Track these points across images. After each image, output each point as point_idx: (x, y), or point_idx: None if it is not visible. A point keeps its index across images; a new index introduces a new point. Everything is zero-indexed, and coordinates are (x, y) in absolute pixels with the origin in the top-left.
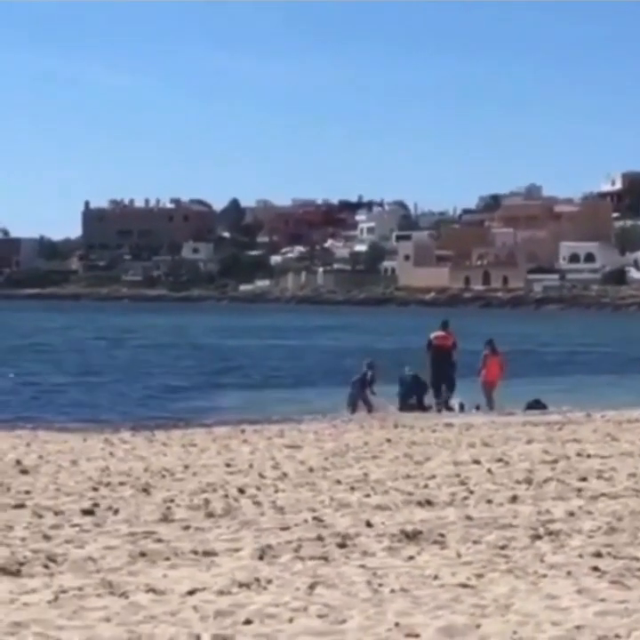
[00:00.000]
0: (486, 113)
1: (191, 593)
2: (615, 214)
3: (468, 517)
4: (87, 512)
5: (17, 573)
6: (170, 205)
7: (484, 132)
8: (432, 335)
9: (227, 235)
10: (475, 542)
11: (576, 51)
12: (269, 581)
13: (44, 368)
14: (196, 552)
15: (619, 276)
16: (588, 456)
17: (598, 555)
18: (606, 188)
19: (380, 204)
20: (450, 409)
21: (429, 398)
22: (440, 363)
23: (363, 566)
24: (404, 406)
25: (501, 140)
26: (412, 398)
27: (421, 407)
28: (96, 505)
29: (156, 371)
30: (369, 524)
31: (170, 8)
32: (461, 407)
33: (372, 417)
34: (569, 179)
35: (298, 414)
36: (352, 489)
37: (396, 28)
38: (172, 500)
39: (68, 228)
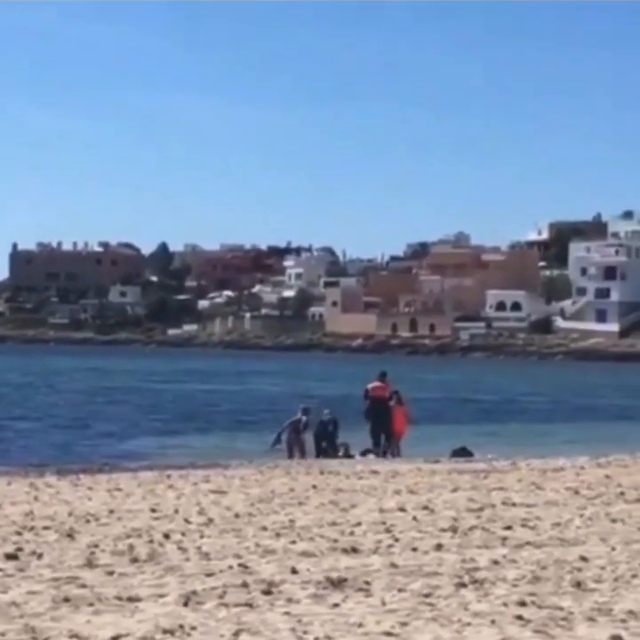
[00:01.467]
0: (415, 161)
1: (115, 639)
2: (542, 263)
3: (393, 565)
4: (10, 556)
5: None
6: (98, 249)
7: (413, 179)
8: (369, 386)
9: (154, 278)
10: (399, 590)
11: (502, 100)
12: (194, 628)
13: None
14: (119, 598)
15: (545, 325)
16: (513, 504)
17: (522, 603)
18: (533, 237)
19: (309, 250)
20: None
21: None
22: (378, 413)
23: (287, 613)
24: (319, 450)
25: (430, 188)
26: (323, 442)
27: (334, 451)
28: (19, 549)
29: (82, 414)
30: (294, 571)
31: (97, 47)
32: (392, 453)
33: (298, 463)
34: (496, 228)
35: (226, 459)
36: (278, 535)
37: (321, 75)
38: (96, 545)
39: None
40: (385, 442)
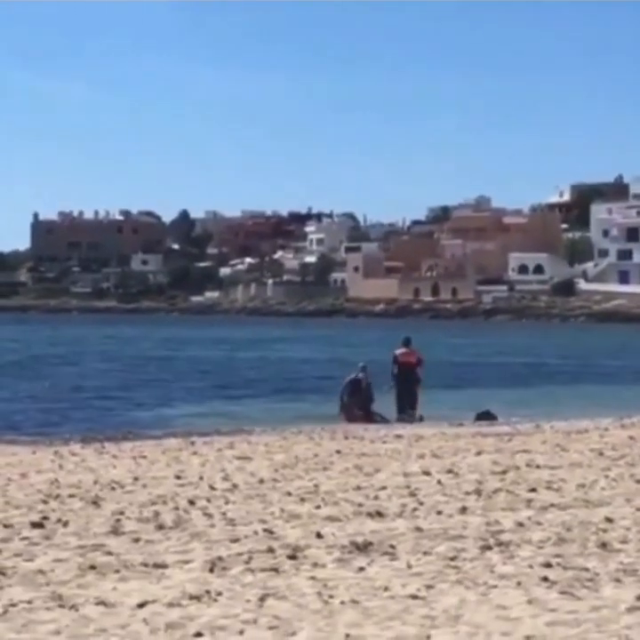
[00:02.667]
0: (436, 125)
1: (141, 605)
2: (564, 226)
3: (418, 529)
4: (36, 525)
5: None
6: (119, 217)
7: (434, 143)
8: (397, 351)
9: (176, 246)
10: (425, 553)
11: (526, 63)
12: (220, 593)
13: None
14: (146, 564)
15: (567, 288)
16: (538, 467)
17: (548, 565)
18: (555, 199)
19: (330, 216)
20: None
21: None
22: (406, 379)
23: (313, 578)
24: (351, 415)
25: (451, 152)
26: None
27: (369, 417)
28: (45, 518)
29: (106, 383)
30: (319, 536)
31: (125, 18)
32: (420, 419)
33: (323, 429)
34: (518, 190)
35: (252, 425)
36: (302, 500)
37: (344, 40)
38: (121, 513)
39: (16, 239)
40: (409, 409)
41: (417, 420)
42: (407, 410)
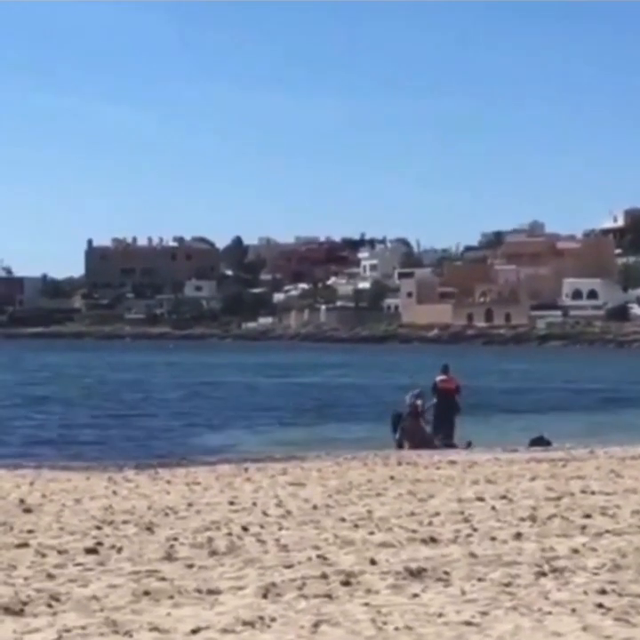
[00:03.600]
0: (489, 149)
1: (195, 631)
2: (617, 251)
3: (472, 555)
4: (91, 551)
5: (20, 613)
6: (173, 243)
7: (487, 168)
8: (437, 379)
9: (230, 272)
10: (479, 579)
11: (577, 87)
12: (273, 619)
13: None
14: (199, 590)
15: (621, 313)
16: (592, 493)
17: (603, 592)
18: (608, 224)
19: (383, 242)
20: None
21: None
22: (445, 406)
23: (367, 604)
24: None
25: (504, 177)
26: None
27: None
28: (99, 543)
29: (161, 409)
30: (373, 562)
31: (174, 43)
32: (468, 445)
33: (375, 455)
34: (571, 215)
35: (308, 451)
36: (356, 526)
37: (398, 64)
38: (175, 539)
39: (71, 266)
40: (445, 438)
41: (465, 446)
42: (443, 438)
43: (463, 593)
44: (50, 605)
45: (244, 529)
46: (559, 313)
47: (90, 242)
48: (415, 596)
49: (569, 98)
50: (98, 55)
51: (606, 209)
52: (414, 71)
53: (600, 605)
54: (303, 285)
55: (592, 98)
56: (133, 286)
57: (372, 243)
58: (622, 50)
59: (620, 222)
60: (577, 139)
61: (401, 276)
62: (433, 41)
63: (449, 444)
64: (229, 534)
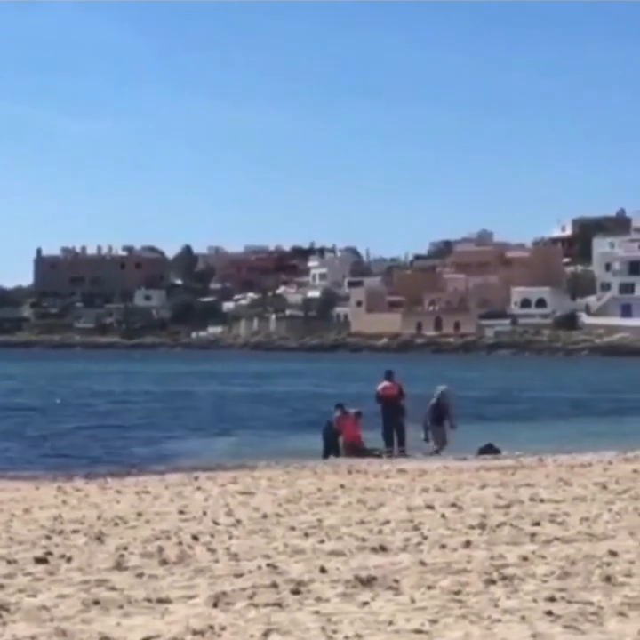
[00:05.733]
0: (437, 158)
1: None
2: (566, 259)
3: (422, 563)
4: (40, 560)
5: None
6: (122, 253)
7: (436, 177)
8: (379, 387)
9: (179, 281)
10: (429, 587)
11: (525, 97)
12: (223, 628)
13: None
14: (149, 600)
15: (570, 321)
16: (541, 501)
17: (552, 599)
18: (557, 233)
19: (332, 251)
20: (405, 455)
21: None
22: (390, 413)
23: (317, 612)
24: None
25: (453, 186)
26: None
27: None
28: (49, 553)
29: (109, 418)
30: (323, 570)
31: (131, 52)
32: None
33: (324, 463)
34: (520, 224)
35: (256, 460)
36: (306, 535)
37: (346, 74)
38: (125, 548)
39: (20, 275)
40: (397, 440)
41: (433, 453)
42: (396, 446)
43: (413, 601)
44: None
45: (194, 538)
46: (508, 321)
47: (39, 251)
48: (365, 604)
49: (518, 107)
50: (60, 65)
51: (555, 218)
52: (358, 79)
53: (549, 613)
54: (253, 294)
55: (540, 108)
56: (83, 295)
57: (321, 251)
58: (568, 60)
59: (569, 231)
60: (525, 148)
61: (350, 284)
62: (378, 47)
63: (403, 451)
64: (179, 543)
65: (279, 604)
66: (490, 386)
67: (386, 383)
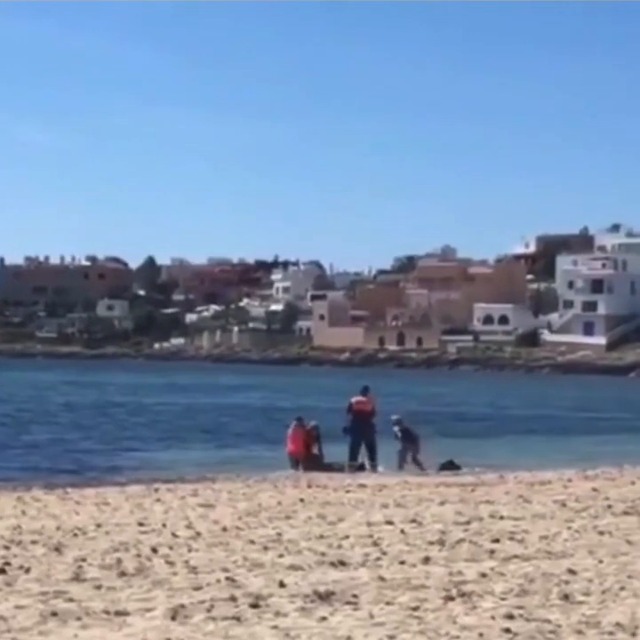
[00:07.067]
0: (401, 174)
1: None
2: (529, 277)
3: (381, 578)
4: None
5: None
6: (85, 263)
7: (399, 192)
8: (353, 399)
9: (142, 292)
10: (387, 603)
11: (490, 110)
12: None
13: None
14: (107, 611)
15: (532, 338)
16: (501, 518)
17: (510, 616)
18: (520, 250)
19: (296, 264)
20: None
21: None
22: (359, 426)
23: (275, 627)
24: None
25: (417, 202)
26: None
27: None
28: (7, 563)
29: (69, 428)
30: (282, 585)
31: (91, 61)
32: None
33: (286, 477)
34: (483, 241)
35: (216, 472)
36: (265, 549)
37: (308, 86)
38: (83, 560)
39: None
40: (368, 456)
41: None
42: (362, 460)
43: (371, 616)
44: None
45: (154, 550)
46: (470, 337)
47: (2, 260)
48: (323, 618)
49: (483, 124)
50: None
51: (518, 235)
52: (323, 91)
53: (507, 630)
54: (216, 306)
55: (505, 124)
56: (45, 305)
57: (285, 265)
58: (535, 75)
59: (532, 248)
60: (489, 164)
61: (313, 298)
62: (351, 59)
63: (374, 467)
64: (138, 555)
65: (237, 618)
66: (453, 401)
67: (360, 397)
